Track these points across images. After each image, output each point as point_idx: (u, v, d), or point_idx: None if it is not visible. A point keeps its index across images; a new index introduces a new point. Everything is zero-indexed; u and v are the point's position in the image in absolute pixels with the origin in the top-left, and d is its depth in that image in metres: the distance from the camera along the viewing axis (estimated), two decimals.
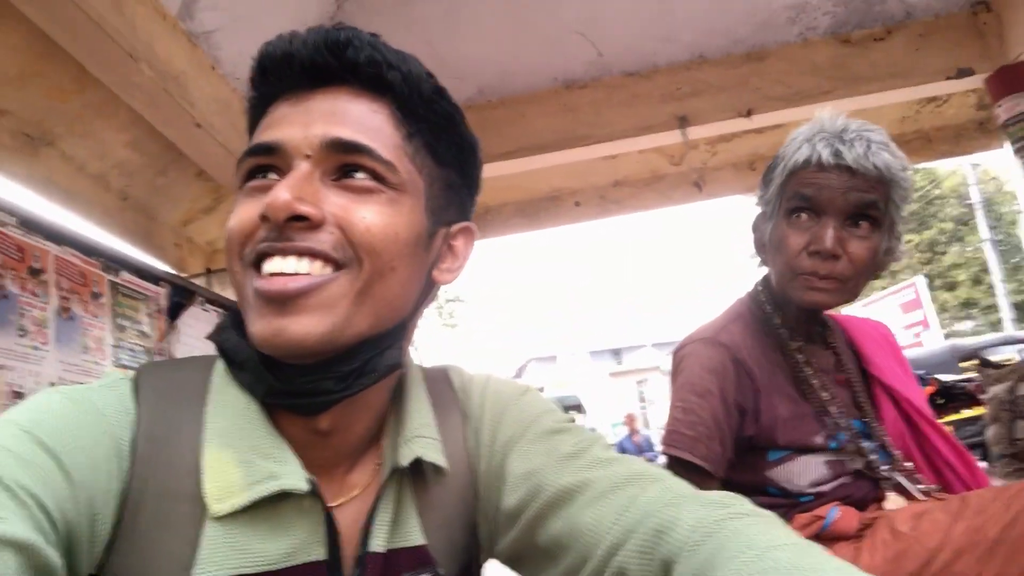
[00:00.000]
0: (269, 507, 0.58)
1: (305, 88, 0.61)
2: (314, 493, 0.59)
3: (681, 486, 0.62)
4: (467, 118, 0.71)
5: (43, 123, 2.20)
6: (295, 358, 0.58)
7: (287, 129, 0.59)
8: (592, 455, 0.67)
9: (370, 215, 0.58)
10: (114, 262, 1.71)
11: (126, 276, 1.74)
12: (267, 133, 0.60)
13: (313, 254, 0.57)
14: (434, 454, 0.67)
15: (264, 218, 0.56)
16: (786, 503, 1.26)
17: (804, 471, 1.27)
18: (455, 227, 0.71)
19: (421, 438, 0.67)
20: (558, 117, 2.48)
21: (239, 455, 0.59)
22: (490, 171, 2.56)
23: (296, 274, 0.56)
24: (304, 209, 0.56)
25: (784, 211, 1.30)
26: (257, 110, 0.65)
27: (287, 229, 0.56)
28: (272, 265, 0.56)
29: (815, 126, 1.28)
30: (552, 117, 2.49)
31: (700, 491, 0.62)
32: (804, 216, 1.27)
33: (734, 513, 0.57)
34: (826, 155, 1.22)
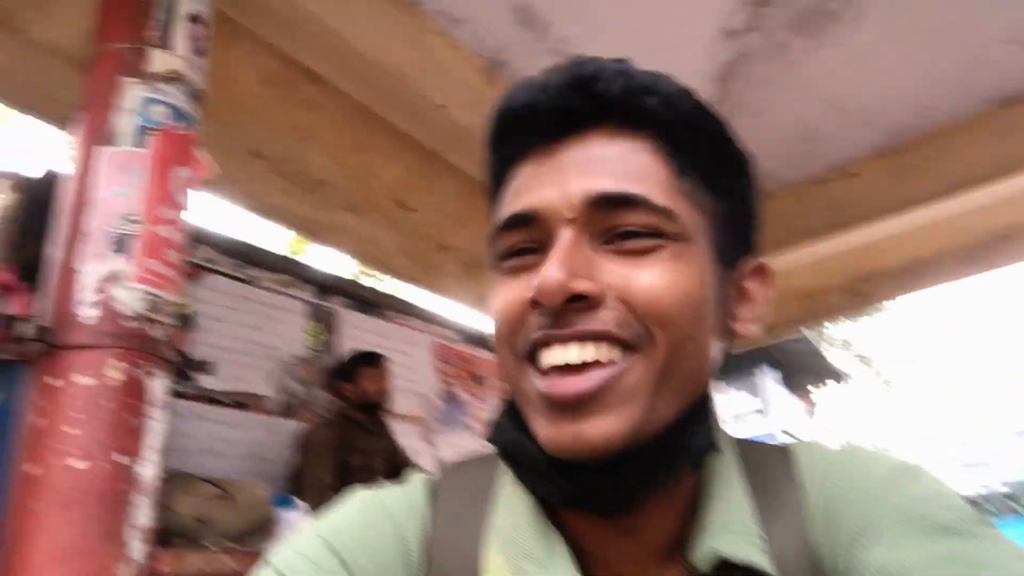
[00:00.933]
0: None
1: (551, 140, 0.53)
2: None
3: None
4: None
5: (480, 252, 2.58)
6: (595, 462, 0.49)
7: (540, 192, 0.51)
8: (1006, 569, 0.45)
9: (654, 279, 0.49)
10: None
11: None
12: (518, 201, 0.53)
13: (597, 337, 0.48)
14: (746, 551, 0.51)
15: (535, 303, 0.49)
16: None
17: None
18: (745, 267, 0.58)
19: (727, 532, 0.53)
20: (994, 141, 2.08)
21: (511, 561, 0.52)
22: (918, 219, 2.24)
23: (583, 365, 0.48)
24: (582, 287, 0.48)
25: None
26: (498, 177, 0.57)
27: (563, 313, 0.48)
28: (553, 357, 0.49)
29: None
30: (986, 143, 2.09)
31: None
32: None
33: None
34: None
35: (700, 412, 0.53)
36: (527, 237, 0.52)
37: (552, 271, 0.47)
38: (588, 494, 0.51)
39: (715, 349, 0.54)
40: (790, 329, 3.76)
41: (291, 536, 0.55)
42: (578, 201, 0.50)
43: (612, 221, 0.50)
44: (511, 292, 0.52)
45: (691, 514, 0.55)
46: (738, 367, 9.95)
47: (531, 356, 0.50)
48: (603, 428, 0.47)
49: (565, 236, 0.50)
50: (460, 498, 0.58)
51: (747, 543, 0.52)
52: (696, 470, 0.55)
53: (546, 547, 0.53)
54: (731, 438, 0.59)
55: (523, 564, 0.52)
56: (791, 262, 2.76)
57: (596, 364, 0.48)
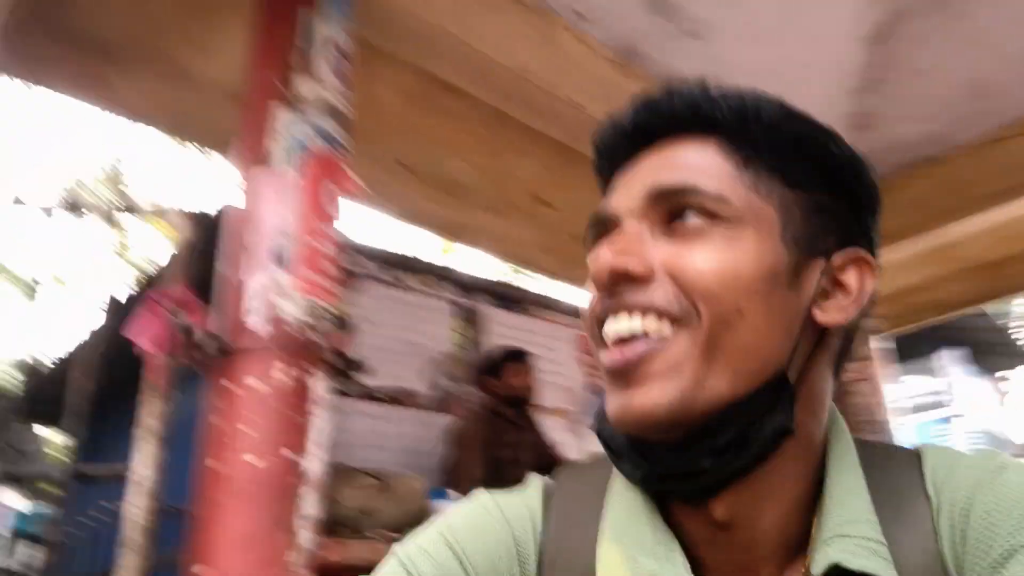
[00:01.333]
0: None
1: (632, 154, 0.60)
2: None
3: None
4: None
5: None
6: (651, 433, 0.52)
7: (616, 195, 0.59)
8: None
9: (701, 257, 0.52)
10: None
11: None
12: (601, 208, 0.60)
13: (644, 309, 0.52)
14: (866, 559, 0.49)
15: (596, 286, 0.54)
16: None
17: None
18: (838, 257, 0.57)
19: (844, 538, 0.51)
20: None
21: (626, 552, 0.54)
22: None
23: (632, 337, 0.52)
24: (625, 263, 0.52)
25: None
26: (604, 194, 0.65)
27: (616, 291, 0.53)
28: (608, 329, 0.54)
29: None
30: None
31: None
32: None
33: None
34: None
35: (771, 396, 0.53)
36: (605, 235, 0.58)
37: (603, 252, 0.53)
38: (664, 474, 0.54)
39: (787, 332, 0.54)
40: (967, 306, 3.44)
41: (418, 530, 0.61)
42: (640, 196, 0.56)
43: (667, 208, 0.55)
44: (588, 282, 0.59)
45: (805, 518, 0.55)
46: (915, 350, 9.17)
47: (601, 335, 0.55)
48: (648, 397, 0.50)
49: (626, 226, 0.55)
50: (575, 497, 0.62)
51: (864, 550, 0.50)
52: (803, 471, 0.55)
53: (658, 540, 0.54)
54: (852, 438, 0.59)
55: (637, 556, 0.54)
56: (967, 231, 2.53)
57: (646, 337, 0.51)
